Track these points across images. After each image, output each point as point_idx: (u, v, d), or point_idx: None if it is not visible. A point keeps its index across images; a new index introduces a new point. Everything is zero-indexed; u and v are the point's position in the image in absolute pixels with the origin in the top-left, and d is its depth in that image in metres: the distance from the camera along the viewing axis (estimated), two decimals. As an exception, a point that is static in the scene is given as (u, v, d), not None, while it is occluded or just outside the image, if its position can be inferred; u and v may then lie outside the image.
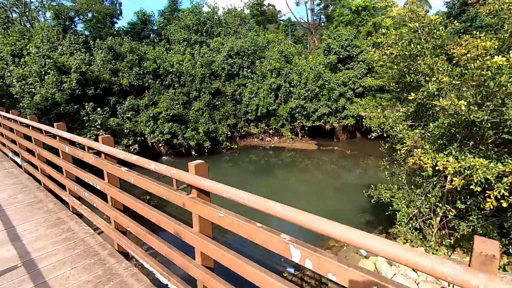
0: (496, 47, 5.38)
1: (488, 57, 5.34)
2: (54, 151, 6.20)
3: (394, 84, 7.29)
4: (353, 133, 32.27)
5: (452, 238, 6.48)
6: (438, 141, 5.66)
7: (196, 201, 3.00)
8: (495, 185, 4.75)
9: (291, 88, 28.55)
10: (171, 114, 22.97)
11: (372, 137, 7.26)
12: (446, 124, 5.34)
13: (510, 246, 5.84)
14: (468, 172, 4.90)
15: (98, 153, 4.37)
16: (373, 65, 27.50)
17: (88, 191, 4.92)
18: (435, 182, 6.35)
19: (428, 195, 6.43)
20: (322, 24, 40.39)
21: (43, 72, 20.67)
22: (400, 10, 6.07)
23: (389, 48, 6.91)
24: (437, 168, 5.60)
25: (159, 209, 3.70)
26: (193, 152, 24.55)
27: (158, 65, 25.34)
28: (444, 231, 7.47)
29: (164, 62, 25.72)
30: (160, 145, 23.64)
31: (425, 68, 5.85)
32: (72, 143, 5.50)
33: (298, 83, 28.35)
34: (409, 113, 6.39)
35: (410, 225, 7.04)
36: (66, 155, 5.67)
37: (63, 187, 5.92)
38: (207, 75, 26.98)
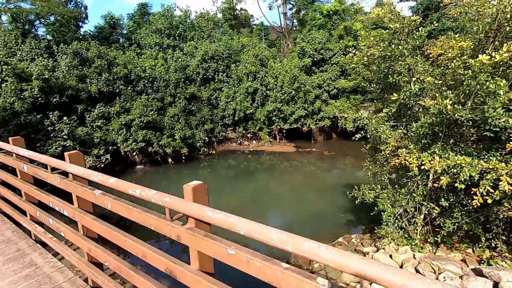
0: (472, 47, 5.54)
1: (465, 57, 5.46)
2: (12, 170, 5.43)
3: (374, 85, 7.34)
4: (329, 134, 32.87)
5: (438, 235, 6.56)
6: (422, 141, 5.71)
7: (196, 233, 2.41)
8: (480, 182, 4.82)
9: (268, 92, 28.54)
10: (145, 121, 22.02)
11: (356, 139, 7.21)
12: (428, 124, 5.38)
13: (493, 241, 6.00)
14: (454, 170, 4.95)
15: (65, 173, 3.78)
16: (346, 68, 28.28)
17: (53, 217, 4.23)
18: (419, 181, 6.41)
19: (413, 194, 6.48)
20: (295, 28, 41.04)
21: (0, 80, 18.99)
22: (379, 11, 6.10)
23: (369, 49, 6.93)
24: (422, 167, 5.63)
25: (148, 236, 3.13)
26: (170, 160, 23.69)
27: (129, 71, 24.27)
28: (426, 228, 7.57)
29: (135, 67, 24.69)
30: (134, 153, 22.57)
31: (405, 69, 5.90)
32: (32, 160, 4.75)
33: (275, 86, 28.42)
34: (391, 113, 6.43)
35: (395, 225, 7.06)
36: (25, 175, 4.92)
37: (23, 212, 5.15)
38: (182, 80, 26.28)
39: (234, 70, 28.92)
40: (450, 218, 6.24)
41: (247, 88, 28.09)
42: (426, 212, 6.55)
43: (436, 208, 6.46)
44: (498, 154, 4.91)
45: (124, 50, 28.04)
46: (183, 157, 24.26)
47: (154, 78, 25.29)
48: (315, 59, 28.38)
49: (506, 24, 4.98)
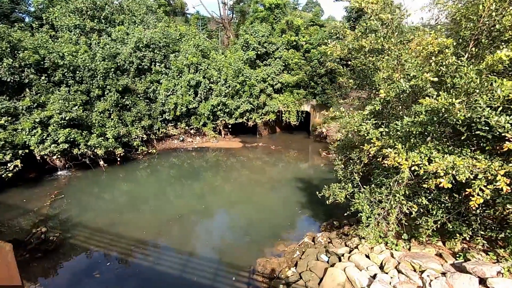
0: (454, 44, 5.52)
1: (449, 53, 5.37)
2: None
3: (351, 81, 6.99)
4: (274, 128, 33.17)
5: (413, 232, 6.63)
6: (412, 140, 5.53)
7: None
8: (475, 183, 4.79)
9: (211, 85, 27.03)
10: (67, 117, 18.42)
11: (342, 139, 6.73)
12: (419, 123, 5.18)
13: (475, 237, 6.27)
14: (453, 171, 4.83)
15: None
16: (289, 62, 28.56)
17: None
18: (401, 181, 6.32)
19: (397, 194, 6.35)
20: (235, 19, 39.89)
21: None
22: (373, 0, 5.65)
23: (353, 42, 6.46)
24: (412, 168, 5.44)
25: None
26: (102, 162, 20.48)
27: (42, 56, 19.96)
28: (395, 225, 7.60)
29: (50, 52, 20.43)
30: (55, 157, 18.78)
31: (394, 64, 5.61)
32: None
33: (218, 79, 27.06)
34: (374, 111, 6.16)
35: (372, 225, 6.90)
36: None
37: None
38: (112, 69, 22.87)
39: (173, 60, 26.51)
40: (429, 216, 6.32)
41: (189, 81, 26.11)
42: (406, 211, 6.50)
43: (415, 206, 6.45)
44: (487, 154, 4.98)
45: (32, 32, 22.97)
46: (118, 159, 21.27)
47: (76, 67, 21.38)
48: (259, 52, 27.92)
49: (488, 22, 5.02)
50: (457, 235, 6.41)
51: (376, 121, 6.28)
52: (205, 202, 16.43)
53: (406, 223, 7.19)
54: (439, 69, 5.23)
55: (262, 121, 29.27)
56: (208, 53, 28.81)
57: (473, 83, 4.60)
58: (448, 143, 5.54)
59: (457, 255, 6.44)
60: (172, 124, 27.22)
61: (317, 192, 8.95)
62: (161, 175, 21.16)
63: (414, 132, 5.37)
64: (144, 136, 23.92)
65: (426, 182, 5.44)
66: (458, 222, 6.16)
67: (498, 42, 5.05)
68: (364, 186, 7.30)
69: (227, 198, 17.25)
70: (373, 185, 7.08)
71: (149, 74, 25.98)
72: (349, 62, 7.00)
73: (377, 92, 6.40)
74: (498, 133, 4.62)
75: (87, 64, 21.52)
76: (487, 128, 4.80)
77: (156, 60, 26.11)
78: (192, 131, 28.34)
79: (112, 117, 21.77)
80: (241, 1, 36.50)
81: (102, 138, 20.02)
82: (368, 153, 6.44)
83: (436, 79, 4.99)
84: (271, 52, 28.37)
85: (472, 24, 5.17)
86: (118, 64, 24.18)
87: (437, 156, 5.16)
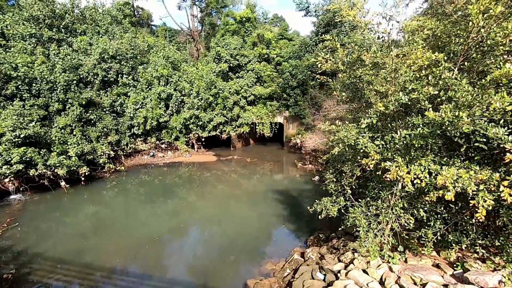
0: (445, 58, 5.69)
1: (441, 67, 5.51)
2: None
3: (344, 93, 6.95)
4: (247, 140, 32.92)
5: (408, 243, 6.60)
6: (412, 153, 5.53)
7: None
8: (479, 194, 4.84)
9: (184, 97, 26.22)
10: (22, 135, 16.54)
11: (335, 153, 6.55)
12: (420, 135, 5.20)
13: (471, 246, 6.37)
14: (461, 184, 4.85)
15: None
16: (261, 75, 28.77)
17: None
18: (399, 194, 6.29)
19: (395, 207, 6.31)
20: (206, 32, 39.55)
21: None
22: (373, 14, 5.66)
23: (352, 55, 6.42)
24: (416, 181, 5.40)
25: None
26: (63, 183, 18.58)
27: (-9, 68, 17.95)
28: (391, 237, 7.56)
29: (0, 63, 18.45)
30: (7, 180, 16.66)
31: (391, 77, 5.63)
32: None
33: (190, 91, 26.35)
34: (371, 124, 6.11)
35: (370, 239, 6.78)
36: None
37: None
38: (74, 82, 21.22)
39: (141, 72, 25.36)
40: (426, 227, 6.35)
41: (160, 94, 25.09)
42: (399, 223, 6.47)
43: (411, 218, 6.45)
44: (485, 165, 5.11)
45: (-22, 41, 20.68)
46: (82, 178, 19.49)
47: (32, 79, 19.51)
48: (231, 65, 27.80)
49: (477, 38, 5.26)
50: (453, 244, 6.50)
51: (372, 135, 6.25)
52: (181, 220, 15.49)
53: (404, 235, 7.17)
54: (436, 82, 5.33)
55: (236, 134, 28.90)
56: (178, 65, 28.07)
57: (470, 96, 4.71)
58: (445, 155, 5.64)
59: (455, 265, 6.51)
60: (142, 138, 25.80)
61: (308, 207, 8.70)
62: (131, 193, 19.72)
63: (415, 145, 5.36)
64: (111, 152, 22.30)
65: (427, 195, 5.43)
66: (458, 233, 6.26)
67: (490, 56, 5.31)
68: (359, 200, 7.20)
69: (205, 215, 16.43)
70: (368, 198, 7.00)
71: (116, 87, 24.55)
72: (339, 75, 6.98)
73: (369, 105, 6.41)
74: (496, 144, 4.75)
75: (45, 76, 19.75)
76: (484, 139, 4.91)
77: (123, 72, 24.80)
78: (163, 146, 27.09)
79: (74, 133, 20.03)
80: (211, 14, 36.46)
81: (64, 156, 18.25)
82: (362, 166, 6.36)
83: (436, 92, 5.07)
84: (243, 65, 28.40)
85: (462, 39, 5.40)
86: (81, 76, 22.54)
87: (436, 169, 5.19)
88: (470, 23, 5.09)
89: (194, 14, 36.98)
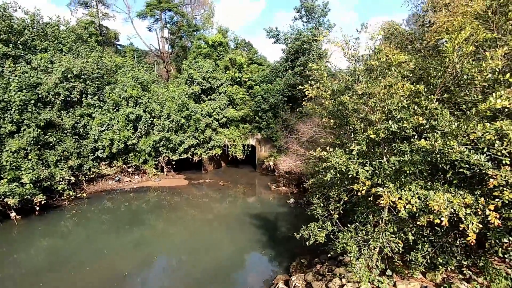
0: (426, 90, 6.15)
1: (422, 98, 5.93)
2: None
3: (333, 120, 7.12)
4: (219, 162, 32.36)
5: (399, 265, 6.70)
6: (402, 179, 5.74)
7: None
8: (468, 218, 5.10)
9: (154, 119, 25.34)
10: (-34, 160, 14.57)
11: (328, 179, 6.55)
12: (410, 162, 5.44)
13: (459, 268, 6.61)
14: (451, 209, 5.07)
15: None
16: (233, 98, 29.00)
17: None
18: (390, 219, 6.43)
19: (386, 232, 6.41)
20: (174, 53, 39.31)
21: None
22: (366, 47, 6.00)
23: (342, 88, 6.64)
24: (407, 206, 5.57)
25: None
26: (13, 214, 16.47)
27: None
28: (378, 262, 7.64)
29: None
30: None
31: (380, 106, 5.91)
32: None
33: (161, 113, 25.58)
34: (362, 151, 6.29)
35: (364, 266, 6.76)
36: None
37: None
38: (32, 101, 19.53)
39: (108, 93, 24.19)
40: (415, 251, 6.51)
41: (128, 115, 24.00)
42: (390, 248, 6.58)
43: (400, 242, 6.60)
44: (468, 190, 5.46)
45: None
46: (37, 208, 17.47)
47: (-19, 98, 17.61)
48: (203, 87, 27.73)
49: (452, 72, 5.79)
50: (440, 266, 6.72)
51: (362, 160, 6.43)
52: (150, 251, 14.37)
53: (394, 259, 7.27)
54: (423, 112, 5.70)
55: (208, 156, 28.34)
56: (148, 86, 27.32)
57: (453, 126, 5.08)
58: (429, 180, 5.95)
59: (442, 287, 6.71)
60: (106, 162, 24.15)
61: (295, 233, 8.55)
62: (93, 223, 18.04)
63: (406, 171, 5.59)
64: (72, 178, 20.45)
65: (418, 219, 5.61)
66: (446, 255, 6.50)
67: (467, 89, 5.86)
68: (348, 225, 7.24)
69: (176, 244, 15.43)
70: (357, 223, 7.07)
71: (79, 107, 23.04)
72: (325, 102, 7.20)
73: (355, 131, 6.66)
74: (478, 170, 5.12)
75: (-2, 95, 17.96)
76: (467, 166, 5.28)
77: (88, 92, 23.45)
78: (130, 170, 25.57)
79: (30, 157, 18.15)
80: (182, 37, 36.57)
81: (16, 183, 16.33)
82: (349, 191, 6.47)
83: (425, 121, 5.42)
84: (215, 87, 28.48)
85: (439, 73, 5.91)
86: (40, 96, 20.85)
87: (425, 194, 5.43)
88: (447, 59, 5.61)
89: (164, 36, 36.83)
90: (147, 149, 24.87)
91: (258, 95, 27.79)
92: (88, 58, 24.23)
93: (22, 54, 22.28)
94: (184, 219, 19.03)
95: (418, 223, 5.60)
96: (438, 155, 5.23)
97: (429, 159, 5.42)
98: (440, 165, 5.50)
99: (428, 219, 5.47)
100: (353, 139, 7.11)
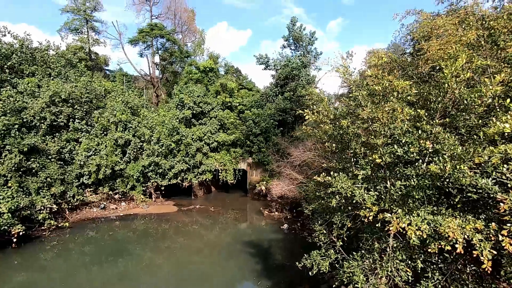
0: (426, 114, 6.26)
1: (424, 122, 6.00)
2: None
3: (334, 144, 7.08)
4: (209, 187, 31.64)
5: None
6: (410, 204, 5.63)
7: None
8: (481, 245, 4.98)
9: (143, 144, 24.83)
10: None
11: (334, 205, 6.35)
12: (418, 187, 5.37)
13: None
14: (466, 236, 4.95)
15: None
16: (225, 122, 29.02)
17: None
18: (399, 246, 6.22)
19: (394, 260, 6.17)
20: (165, 79, 39.64)
21: None
22: (370, 72, 6.05)
23: (345, 113, 6.69)
24: (417, 232, 5.41)
25: None
26: (-13, 247, 15.19)
27: None
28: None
29: None
30: None
31: (385, 131, 5.92)
32: None
33: (151, 138, 25.15)
34: (366, 175, 6.20)
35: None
36: None
37: None
38: (15, 126, 18.83)
39: (96, 117, 23.73)
40: (424, 279, 6.27)
41: (117, 140, 23.44)
42: (400, 277, 6.32)
43: (409, 270, 6.36)
44: (478, 215, 5.38)
45: None
46: (14, 239, 16.22)
47: (-38, 122, 16.84)
48: (194, 112, 27.71)
49: (451, 97, 5.95)
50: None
51: (366, 185, 6.33)
52: (134, 285, 13.36)
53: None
54: (428, 136, 5.73)
55: (198, 181, 27.69)
56: (138, 110, 27.06)
57: (458, 150, 5.11)
58: (434, 205, 5.87)
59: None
60: (92, 189, 23.14)
61: (297, 263, 8.16)
62: (72, 255, 16.82)
63: (415, 196, 5.50)
64: (54, 206, 19.35)
65: (429, 246, 5.45)
66: (458, 283, 6.28)
67: (467, 114, 5.99)
68: (354, 253, 6.97)
69: (163, 276, 14.43)
70: (363, 251, 6.82)
71: (66, 132, 22.37)
72: (325, 127, 7.20)
73: (356, 156, 6.63)
74: (486, 194, 5.09)
75: (-20, 120, 17.24)
76: (474, 190, 5.25)
77: (76, 116, 22.94)
78: (116, 196, 24.54)
79: (10, 184, 17.17)
80: (173, 63, 37.07)
81: (-7, 213, 15.24)
82: (353, 217, 6.30)
83: (431, 145, 5.43)
84: (206, 112, 28.52)
85: (439, 98, 6.06)
86: (24, 120, 20.18)
87: (435, 220, 5.32)
88: (445, 85, 5.77)
89: (155, 61, 37.22)
90: (136, 174, 24.11)
91: (249, 120, 27.96)
92: (77, 83, 23.95)
93: (8, 78, 21.81)
94: (172, 248, 18.10)
95: (429, 250, 5.43)
96: (447, 180, 5.21)
97: (438, 184, 5.39)
98: (447, 190, 5.45)
99: (439, 246, 5.32)
100: (353, 163, 7.06)
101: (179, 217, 23.92)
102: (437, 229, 5.33)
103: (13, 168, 17.72)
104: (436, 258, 6.36)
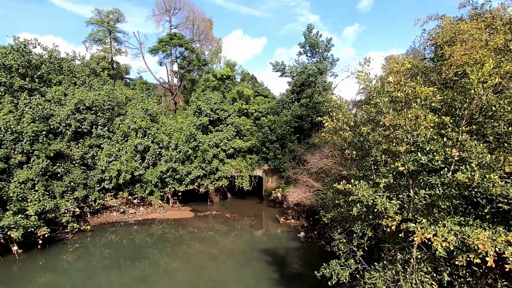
0: (451, 121, 6.08)
1: (449, 129, 5.83)
2: None
3: (354, 152, 6.99)
4: (225, 194, 31.81)
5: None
6: (436, 214, 5.45)
7: None
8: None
9: (162, 150, 25.39)
10: (-27, 192, 14.41)
11: (355, 214, 6.24)
12: (445, 196, 5.19)
13: None
14: (497, 248, 4.73)
15: None
16: (241, 128, 29.24)
17: None
18: (423, 257, 6.02)
19: (419, 272, 5.96)
20: (185, 86, 40.63)
21: None
22: (392, 79, 5.99)
23: (369, 119, 6.63)
24: (444, 244, 5.21)
25: None
26: (15, 248, 15.89)
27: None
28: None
29: (-39, 111, 16.87)
30: None
31: (408, 138, 5.80)
32: None
33: (169, 144, 25.70)
34: (388, 183, 6.07)
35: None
36: None
37: None
38: (43, 133, 19.76)
39: (118, 124, 24.56)
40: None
41: (137, 146, 24.11)
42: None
43: (434, 283, 6.11)
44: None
45: None
46: (40, 241, 16.88)
47: (-5, 129, 17.87)
48: (211, 118, 28.13)
49: (478, 104, 5.76)
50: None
51: (388, 194, 6.18)
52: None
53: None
54: (454, 144, 5.55)
55: (214, 187, 27.91)
56: (157, 117, 27.78)
57: (487, 158, 4.91)
58: (461, 215, 5.64)
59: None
60: (112, 193, 23.81)
61: (316, 272, 8.02)
62: (93, 257, 17.32)
63: (441, 206, 5.32)
64: (77, 209, 20.03)
65: (456, 258, 5.23)
66: None
67: (497, 120, 5.76)
68: (375, 263, 6.78)
69: (180, 283, 14.48)
70: (384, 262, 6.62)
71: (89, 138, 23.25)
72: (344, 134, 7.12)
73: (376, 163, 6.51)
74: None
75: (11, 126, 18.22)
76: (505, 200, 5.01)
77: (98, 123, 23.83)
78: (135, 201, 25.10)
79: (37, 188, 17.97)
80: (191, 71, 38.02)
81: (21, 215, 15.97)
82: (374, 226, 6.13)
83: (457, 154, 5.26)
84: (223, 119, 28.88)
85: (465, 104, 5.87)
86: (52, 127, 21.17)
87: (462, 231, 5.11)
88: (472, 91, 5.60)
89: (174, 70, 38.30)
90: (154, 180, 24.63)
91: (265, 126, 28.04)
92: (100, 91, 24.93)
93: (38, 87, 23.02)
94: (188, 254, 18.23)
95: (456, 262, 5.21)
96: (475, 189, 5.01)
97: (465, 193, 5.19)
98: (475, 199, 5.24)
99: (468, 259, 5.09)
100: (374, 171, 6.92)
101: (196, 222, 24.11)
102: (465, 240, 5.12)
103: (40, 173, 18.54)
104: (464, 271, 6.08)
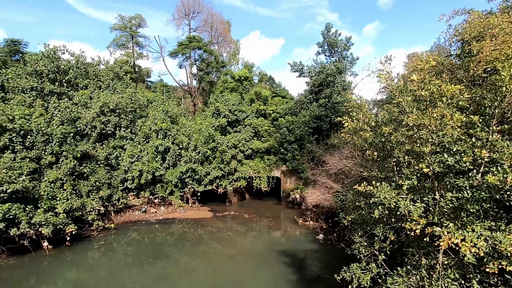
0: (480, 121, 5.79)
1: (478, 129, 5.53)
2: None
3: (376, 152, 6.81)
4: (243, 194, 31.95)
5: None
6: (464, 218, 5.19)
7: None
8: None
9: (181, 151, 25.92)
10: (9, 190, 15.34)
11: (377, 217, 6.09)
12: (474, 199, 4.94)
13: None
14: None
15: None
16: (259, 129, 29.29)
17: None
18: (450, 263, 5.75)
19: (446, 279, 5.71)
20: (203, 88, 41.39)
21: None
22: (416, 77, 5.81)
23: (395, 118, 6.46)
24: (473, 249, 4.96)
25: None
26: (46, 244, 16.74)
27: (-14, 119, 17.45)
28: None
29: (-3, 115, 18.05)
30: (-18, 241, 14.90)
31: (433, 138, 5.57)
32: None
33: (188, 145, 26.18)
34: (412, 186, 5.86)
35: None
36: None
37: None
38: (71, 134, 20.75)
39: (140, 126, 25.35)
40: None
41: (157, 147, 24.76)
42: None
43: (462, 290, 5.82)
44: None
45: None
46: (68, 238, 17.71)
47: (27, 131, 18.98)
48: (229, 120, 28.38)
49: (511, 99, 5.43)
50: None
51: (412, 196, 5.95)
52: (165, 285, 13.76)
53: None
54: (483, 144, 5.28)
55: (233, 188, 28.10)
56: (177, 119, 28.41)
57: (521, 159, 4.62)
58: (492, 220, 5.33)
59: None
60: (134, 193, 24.58)
61: (335, 275, 7.86)
62: (117, 254, 17.94)
63: (469, 209, 5.07)
64: (101, 208, 20.84)
65: (487, 265, 4.95)
66: None
67: None
68: (398, 268, 6.55)
69: (200, 282, 14.59)
70: (408, 267, 6.38)
71: (113, 139, 24.15)
72: (365, 134, 6.94)
73: (399, 165, 6.28)
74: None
75: (42, 128, 19.27)
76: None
77: (122, 125, 24.70)
78: (156, 201, 25.76)
79: (65, 187, 18.87)
80: (210, 73, 38.63)
81: (51, 213, 16.82)
82: (397, 229, 5.92)
83: (487, 155, 4.99)
84: (241, 120, 29.04)
85: (496, 102, 5.56)
86: (78, 129, 22.19)
87: (494, 236, 4.82)
88: (503, 88, 5.29)
89: (193, 72, 39.04)
90: (174, 180, 25.16)
91: (283, 127, 27.91)
92: (124, 94, 25.84)
93: (66, 91, 24.22)
94: (207, 254, 18.43)
95: (486, 269, 4.93)
96: (508, 192, 4.72)
97: (496, 197, 4.91)
98: (508, 203, 4.93)
99: (499, 266, 4.80)
100: (396, 172, 6.69)
101: (214, 222, 24.38)
102: (497, 246, 4.83)
103: (68, 172, 19.47)
104: (496, 279, 5.74)
